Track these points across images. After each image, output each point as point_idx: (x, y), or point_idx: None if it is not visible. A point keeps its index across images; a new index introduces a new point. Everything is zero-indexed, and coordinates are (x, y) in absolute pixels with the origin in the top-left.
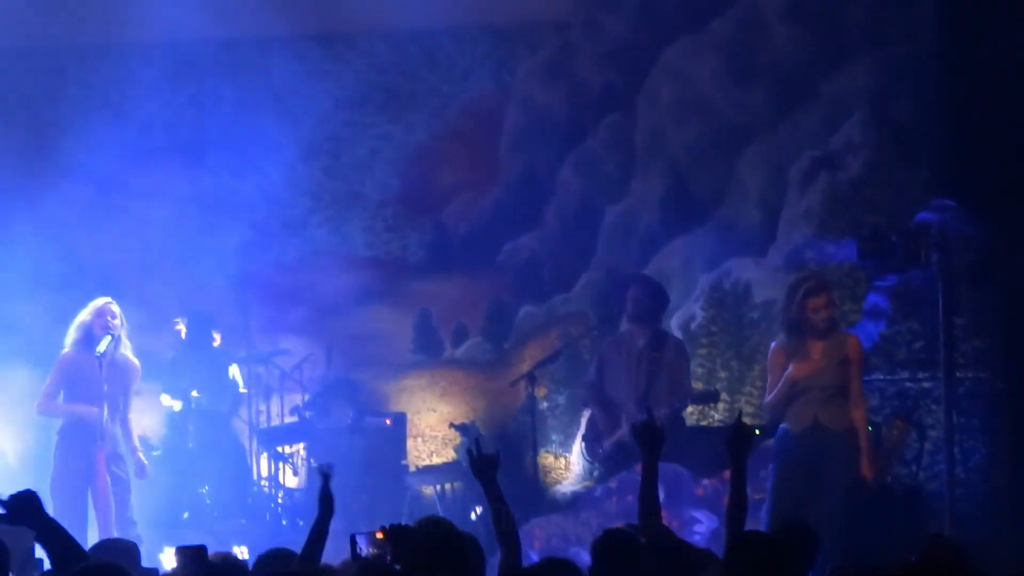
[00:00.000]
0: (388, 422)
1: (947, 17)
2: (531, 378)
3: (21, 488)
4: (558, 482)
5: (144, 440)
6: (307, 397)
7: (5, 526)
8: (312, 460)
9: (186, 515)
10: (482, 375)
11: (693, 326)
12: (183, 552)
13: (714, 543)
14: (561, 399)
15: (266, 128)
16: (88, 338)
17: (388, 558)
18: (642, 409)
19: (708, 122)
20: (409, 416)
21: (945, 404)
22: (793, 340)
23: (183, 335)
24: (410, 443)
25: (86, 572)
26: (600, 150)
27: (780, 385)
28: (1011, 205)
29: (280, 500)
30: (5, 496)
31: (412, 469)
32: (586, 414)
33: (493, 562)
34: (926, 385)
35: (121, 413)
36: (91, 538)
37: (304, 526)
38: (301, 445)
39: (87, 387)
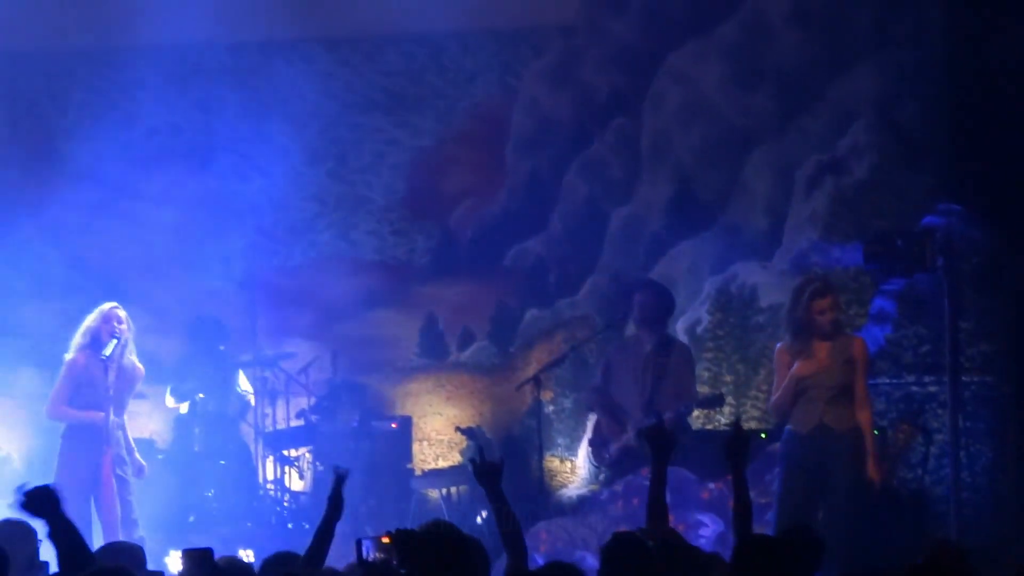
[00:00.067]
0: (394, 426)
1: (953, 21)
2: (537, 382)
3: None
4: (564, 486)
5: (150, 443)
6: (313, 401)
7: (7, 530)
8: (318, 464)
9: (192, 518)
10: (488, 379)
11: (699, 330)
12: (190, 555)
13: (720, 547)
14: (567, 403)
15: (272, 132)
16: (95, 343)
17: (394, 563)
18: (648, 414)
19: (714, 126)
20: (415, 420)
21: (951, 408)
22: (798, 341)
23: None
24: (416, 447)
25: None
26: (606, 154)
27: (785, 383)
28: (1017, 209)
29: (286, 504)
30: (26, 487)
31: (418, 473)
32: (592, 418)
33: (499, 566)
34: (932, 389)
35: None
36: (93, 541)
37: (310, 530)
38: (307, 449)
39: (94, 391)
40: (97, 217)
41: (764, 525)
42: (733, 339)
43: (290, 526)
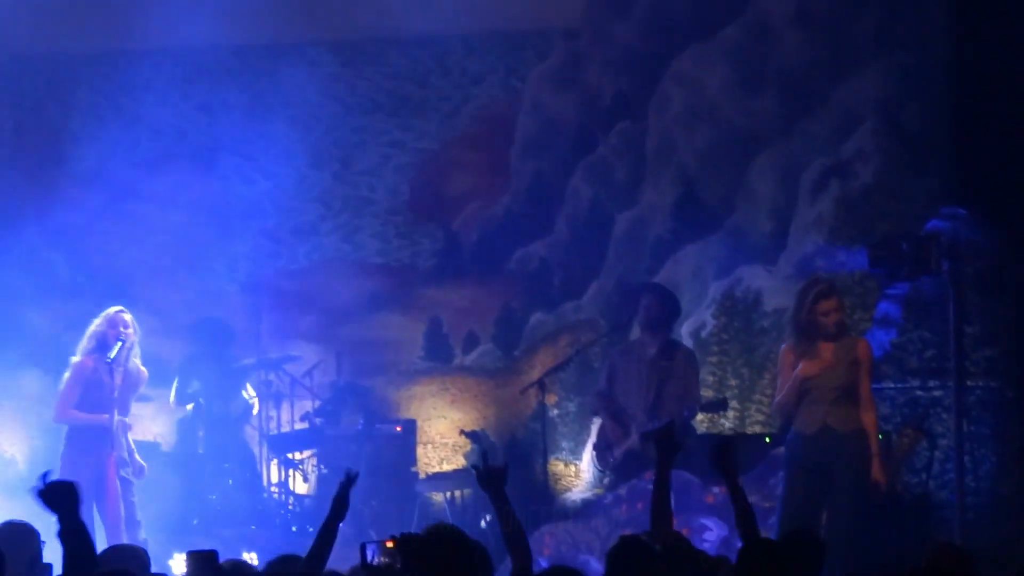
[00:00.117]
0: (398, 429)
1: (957, 24)
2: (541, 385)
3: (26, 492)
4: (568, 489)
5: (155, 446)
6: (317, 404)
7: (9, 531)
8: (322, 467)
9: (196, 521)
10: (492, 382)
11: (704, 334)
12: (194, 557)
13: (724, 551)
14: (571, 406)
15: (277, 134)
16: (102, 347)
17: (398, 567)
18: (652, 418)
19: (718, 130)
20: (419, 423)
21: (956, 413)
22: (803, 343)
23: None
24: (420, 450)
25: None
26: (611, 157)
27: (789, 384)
28: (1022, 213)
29: (290, 506)
30: (47, 479)
31: (422, 476)
32: (596, 422)
33: (503, 570)
34: (937, 393)
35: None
36: (97, 543)
37: (314, 533)
38: (311, 452)
39: (100, 394)
40: (101, 219)
41: (768, 529)
42: (738, 343)
43: (294, 529)
